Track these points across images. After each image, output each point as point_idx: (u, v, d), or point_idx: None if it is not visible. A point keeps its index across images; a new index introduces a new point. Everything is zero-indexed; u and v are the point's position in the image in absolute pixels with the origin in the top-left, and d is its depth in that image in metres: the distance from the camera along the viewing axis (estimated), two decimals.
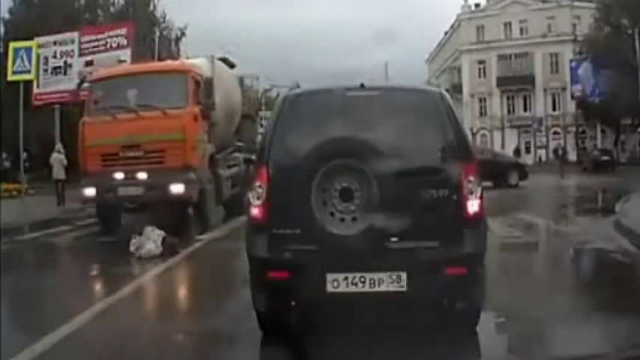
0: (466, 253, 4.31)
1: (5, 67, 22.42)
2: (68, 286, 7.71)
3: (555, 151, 33.01)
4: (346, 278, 4.22)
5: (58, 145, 19.62)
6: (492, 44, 54.82)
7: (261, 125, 20.17)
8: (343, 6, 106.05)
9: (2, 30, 31.99)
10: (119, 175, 11.55)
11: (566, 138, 49.73)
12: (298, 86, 4.99)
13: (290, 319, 4.38)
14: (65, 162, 18.71)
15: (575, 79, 44.67)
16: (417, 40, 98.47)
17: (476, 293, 4.44)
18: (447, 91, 5.32)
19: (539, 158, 50.63)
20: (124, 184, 11.54)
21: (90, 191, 11.72)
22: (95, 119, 11.85)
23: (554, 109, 53.68)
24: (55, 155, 19.08)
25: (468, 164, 4.42)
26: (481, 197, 4.39)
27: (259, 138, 8.61)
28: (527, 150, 53.48)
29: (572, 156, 43.35)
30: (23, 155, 21.21)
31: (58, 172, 18.72)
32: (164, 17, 37.36)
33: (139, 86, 11.77)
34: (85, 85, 13.68)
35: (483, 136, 55.53)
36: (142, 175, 11.46)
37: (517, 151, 48.78)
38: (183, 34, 38.25)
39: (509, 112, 55.49)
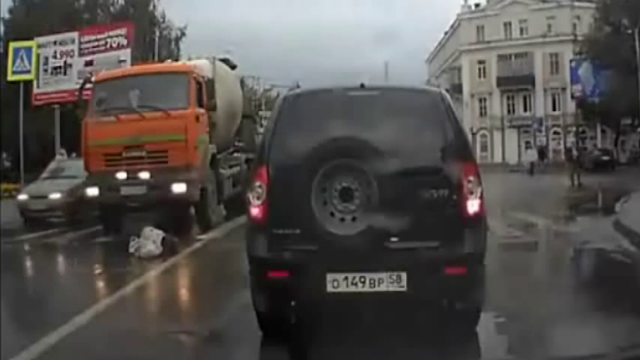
0: (466, 253, 4.32)
1: (5, 67, 22.48)
2: (68, 287, 7.72)
3: (569, 151, 27.12)
4: (346, 278, 4.22)
5: (62, 150, 21.55)
6: (492, 44, 54.78)
7: (261, 125, 20.18)
8: (343, 6, 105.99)
9: (2, 30, 31.94)
10: (122, 175, 11.63)
11: (566, 138, 49.61)
12: (298, 86, 4.97)
13: (290, 319, 4.38)
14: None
15: (575, 79, 44.54)
16: (417, 40, 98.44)
17: (476, 293, 4.44)
18: (447, 91, 5.31)
19: None
20: (126, 184, 11.61)
21: (92, 191, 11.81)
22: (98, 120, 11.89)
23: (554, 109, 53.59)
24: (58, 157, 21.16)
25: (468, 164, 4.42)
26: (481, 197, 4.39)
27: (259, 138, 8.61)
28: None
29: None
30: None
31: None
32: (164, 17, 37.26)
33: (141, 87, 11.80)
34: (88, 86, 13.73)
35: (483, 136, 55.53)
36: (144, 175, 11.55)
37: (542, 153, 46.00)
38: (183, 34, 38.09)
39: (509, 112, 55.45)
